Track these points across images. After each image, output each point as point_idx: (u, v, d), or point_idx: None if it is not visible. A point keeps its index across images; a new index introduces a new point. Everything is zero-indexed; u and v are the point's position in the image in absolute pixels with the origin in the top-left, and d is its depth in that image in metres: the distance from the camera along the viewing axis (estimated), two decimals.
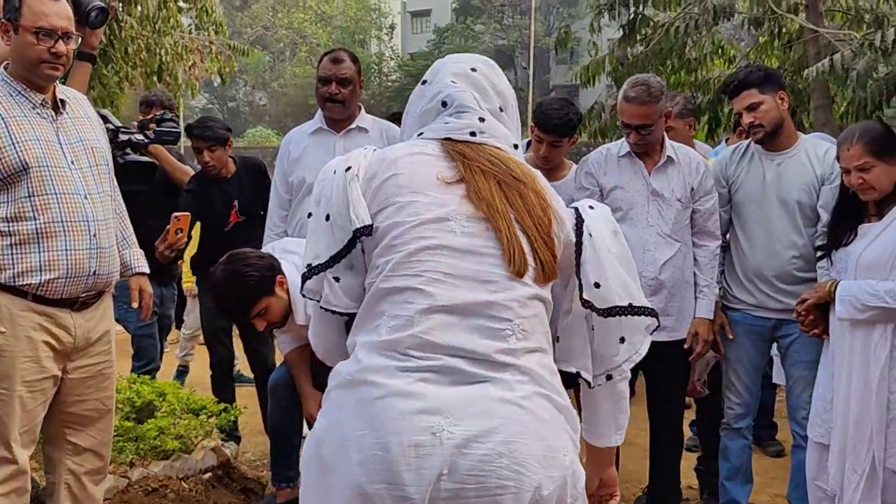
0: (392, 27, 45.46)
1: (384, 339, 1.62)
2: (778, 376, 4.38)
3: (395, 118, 5.27)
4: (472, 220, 1.68)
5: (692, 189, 3.51)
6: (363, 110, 3.88)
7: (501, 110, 1.86)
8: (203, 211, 4.41)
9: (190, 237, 4.33)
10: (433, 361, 1.58)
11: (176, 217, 3.90)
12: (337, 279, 1.75)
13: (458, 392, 1.56)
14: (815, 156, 3.46)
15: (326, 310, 1.77)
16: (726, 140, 5.21)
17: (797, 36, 7.03)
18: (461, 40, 39.81)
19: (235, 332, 4.68)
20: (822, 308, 3.23)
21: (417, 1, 47.26)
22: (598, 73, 7.71)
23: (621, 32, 7.09)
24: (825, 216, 3.35)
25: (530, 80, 34.44)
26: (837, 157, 3.15)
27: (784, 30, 7.15)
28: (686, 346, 3.51)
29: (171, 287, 5.12)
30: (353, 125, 3.82)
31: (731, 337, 3.58)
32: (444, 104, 1.83)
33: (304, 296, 1.81)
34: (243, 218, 4.46)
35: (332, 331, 1.85)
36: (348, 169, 1.76)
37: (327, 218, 1.74)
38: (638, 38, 6.95)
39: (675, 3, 7.23)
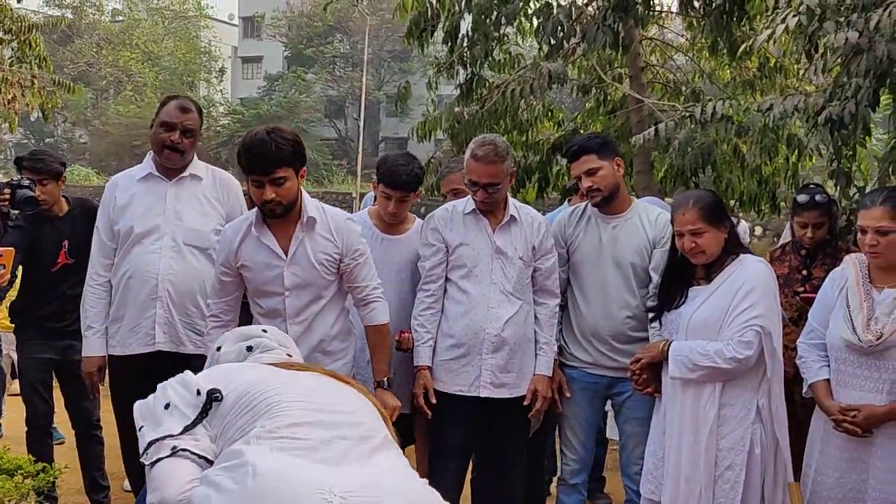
0: (222, 71, 44.74)
1: None
2: (612, 431, 4.50)
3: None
4: None
5: (534, 248, 3.57)
6: (195, 157, 3.73)
7: None
8: (30, 248, 4.08)
9: (15, 276, 4.00)
10: None
11: None
12: None
13: None
14: (648, 220, 3.62)
15: None
16: (568, 200, 5.38)
17: (620, 104, 7.41)
18: (293, 89, 39.70)
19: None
20: (655, 367, 3.35)
21: (249, 47, 46.83)
22: (435, 130, 7.82)
23: (459, 91, 7.23)
24: (656, 278, 3.50)
25: (361, 131, 34.69)
26: (672, 221, 3.31)
27: (609, 97, 7.51)
28: (525, 403, 3.55)
29: None
30: (186, 173, 3.66)
31: (568, 395, 3.65)
32: None
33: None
34: (72, 260, 4.16)
35: None
36: None
37: None
38: (474, 97, 7.10)
39: (510, 66, 7.48)
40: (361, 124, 34.82)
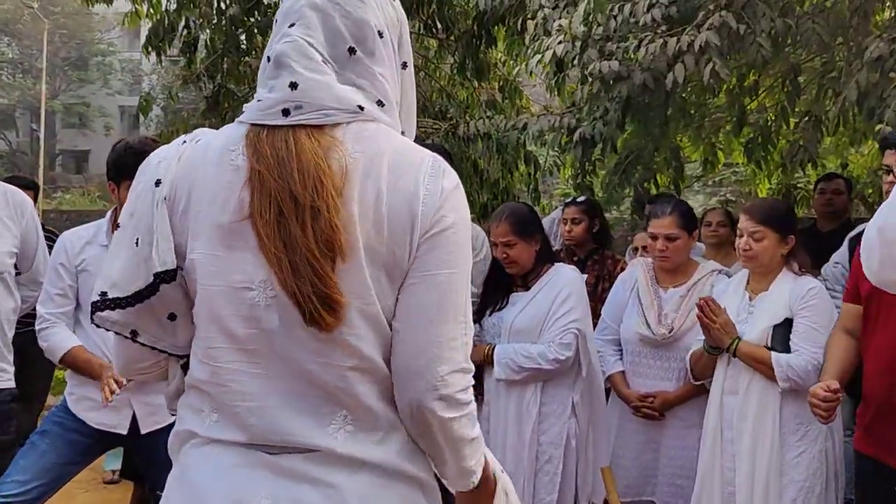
0: None
1: (208, 437, 1.38)
2: None
3: None
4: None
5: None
6: None
7: (353, 52, 1.41)
8: None
9: None
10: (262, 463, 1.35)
11: None
12: (173, 317, 1.43)
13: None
14: None
15: (152, 348, 1.47)
16: None
17: None
18: None
19: None
20: (477, 371, 3.52)
21: None
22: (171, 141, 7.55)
23: (204, 104, 7.04)
24: (471, 288, 3.67)
25: (42, 143, 32.12)
26: (488, 232, 3.52)
27: None
28: None
29: None
30: None
31: None
32: (268, 60, 1.43)
33: (96, 325, 1.45)
34: None
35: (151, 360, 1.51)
36: (158, 183, 1.40)
37: (137, 243, 1.41)
38: (222, 110, 6.95)
39: (252, 78, 7.41)
40: (42, 136, 32.17)
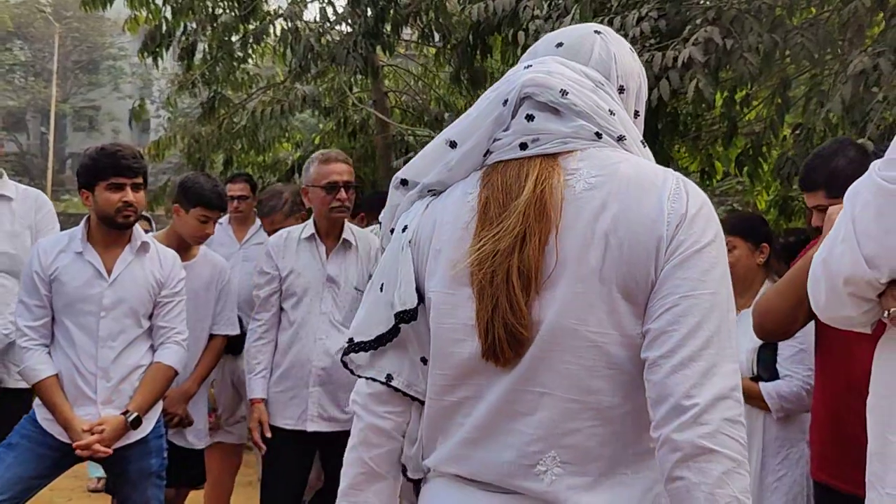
0: None
1: (436, 470, 1.43)
2: None
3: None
4: None
5: (370, 276, 3.53)
6: (5, 176, 3.38)
7: (600, 86, 1.40)
8: None
9: None
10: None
11: None
12: (424, 361, 1.44)
13: None
14: None
15: (405, 394, 1.47)
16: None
17: (361, 126, 7.56)
18: None
19: None
20: None
21: None
22: (168, 149, 7.57)
23: (201, 110, 7.03)
24: None
25: (51, 146, 32.31)
26: None
27: (349, 120, 7.61)
28: None
29: None
30: None
31: None
32: (504, 103, 1.40)
33: (348, 368, 1.51)
34: None
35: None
36: (405, 229, 1.46)
37: (381, 288, 1.47)
38: (217, 116, 6.95)
39: (248, 86, 7.39)
40: (52, 138, 32.36)
